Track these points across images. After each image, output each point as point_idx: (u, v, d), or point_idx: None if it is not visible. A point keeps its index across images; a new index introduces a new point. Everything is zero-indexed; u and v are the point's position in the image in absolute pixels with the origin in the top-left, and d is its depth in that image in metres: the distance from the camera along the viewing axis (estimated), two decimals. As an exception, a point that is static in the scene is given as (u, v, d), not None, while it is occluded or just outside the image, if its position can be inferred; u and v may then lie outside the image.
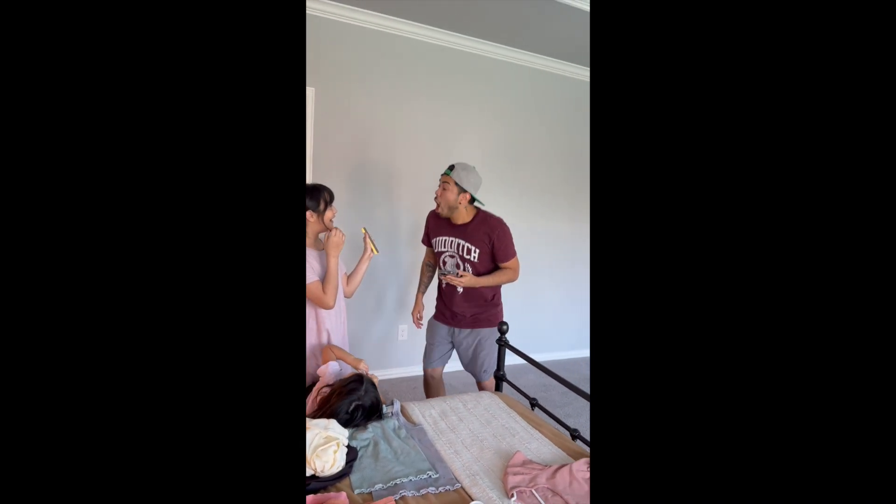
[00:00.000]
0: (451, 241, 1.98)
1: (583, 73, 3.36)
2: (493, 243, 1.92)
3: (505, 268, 1.96)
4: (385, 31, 2.73)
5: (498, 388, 2.13)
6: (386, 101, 2.81)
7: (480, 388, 2.15)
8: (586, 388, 3.07)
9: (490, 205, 3.09)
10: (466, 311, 2.04)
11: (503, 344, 2.09)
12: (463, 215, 1.95)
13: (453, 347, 2.16)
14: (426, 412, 1.72)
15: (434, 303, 2.20)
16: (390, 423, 1.55)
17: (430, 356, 2.18)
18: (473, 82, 3.02)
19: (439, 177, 1.95)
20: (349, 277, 1.93)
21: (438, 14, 2.61)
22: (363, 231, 1.92)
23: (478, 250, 1.94)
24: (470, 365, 2.12)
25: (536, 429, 1.66)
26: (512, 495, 1.27)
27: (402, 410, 1.72)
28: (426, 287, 2.24)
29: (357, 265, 1.93)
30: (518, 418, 1.72)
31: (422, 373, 3.12)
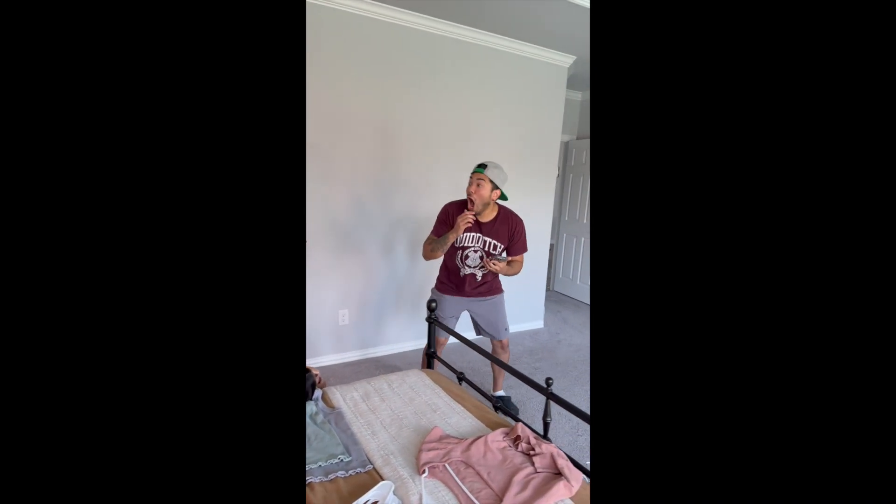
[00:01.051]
0: (478, 238, 2.08)
1: (547, 56, 3.30)
2: (512, 238, 2.08)
3: (514, 261, 2.11)
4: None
5: (429, 366, 2.13)
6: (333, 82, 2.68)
7: (501, 346, 2.30)
8: (526, 360, 3.12)
9: (443, 180, 3.04)
10: (480, 288, 2.21)
11: (433, 321, 2.08)
12: (489, 212, 2.05)
13: (460, 315, 2.30)
14: (347, 395, 1.68)
15: (435, 274, 2.34)
16: (307, 410, 1.51)
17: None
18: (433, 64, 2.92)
19: (470, 175, 2.00)
20: None
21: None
22: None
23: (502, 245, 2.09)
24: (489, 327, 2.26)
25: (459, 403, 1.66)
26: (423, 471, 1.27)
27: (323, 396, 1.68)
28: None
29: None
30: (442, 394, 1.71)
31: (364, 357, 3.10)
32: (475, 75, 3.16)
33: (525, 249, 2.14)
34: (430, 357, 2.11)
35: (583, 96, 4.59)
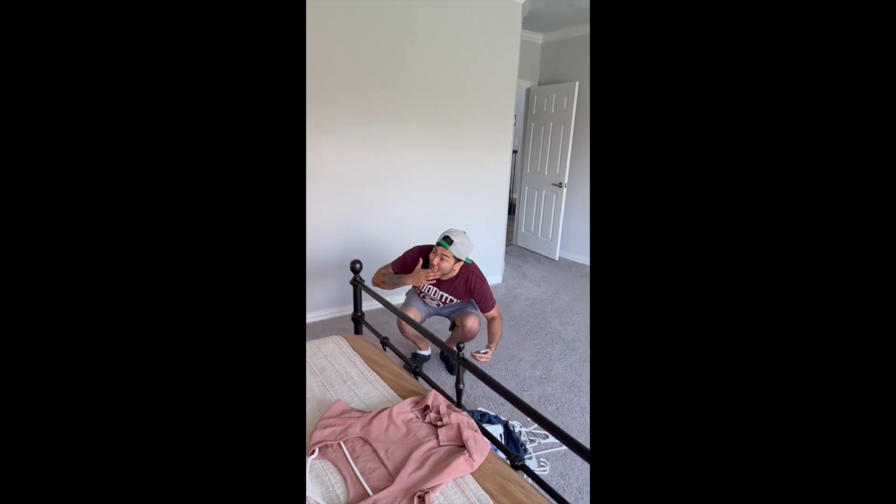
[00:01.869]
0: (436, 292, 2.16)
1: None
2: (474, 298, 2.12)
3: (492, 318, 2.10)
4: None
5: (357, 332, 2.00)
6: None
7: (466, 322, 2.23)
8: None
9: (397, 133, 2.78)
10: (448, 307, 2.28)
11: (357, 284, 1.93)
12: (450, 272, 2.08)
13: (433, 314, 2.36)
14: (252, 368, 1.54)
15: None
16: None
17: (410, 304, 2.29)
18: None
19: (436, 244, 2.02)
20: None
21: None
22: None
23: (457, 300, 2.19)
24: (456, 315, 2.28)
25: (375, 371, 1.54)
26: (312, 452, 1.15)
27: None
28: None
29: None
30: (358, 362, 1.59)
31: (313, 321, 2.96)
32: (421, 14, 2.86)
33: (492, 305, 2.09)
34: (356, 322, 1.98)
35: (544, 38, 4.30)
